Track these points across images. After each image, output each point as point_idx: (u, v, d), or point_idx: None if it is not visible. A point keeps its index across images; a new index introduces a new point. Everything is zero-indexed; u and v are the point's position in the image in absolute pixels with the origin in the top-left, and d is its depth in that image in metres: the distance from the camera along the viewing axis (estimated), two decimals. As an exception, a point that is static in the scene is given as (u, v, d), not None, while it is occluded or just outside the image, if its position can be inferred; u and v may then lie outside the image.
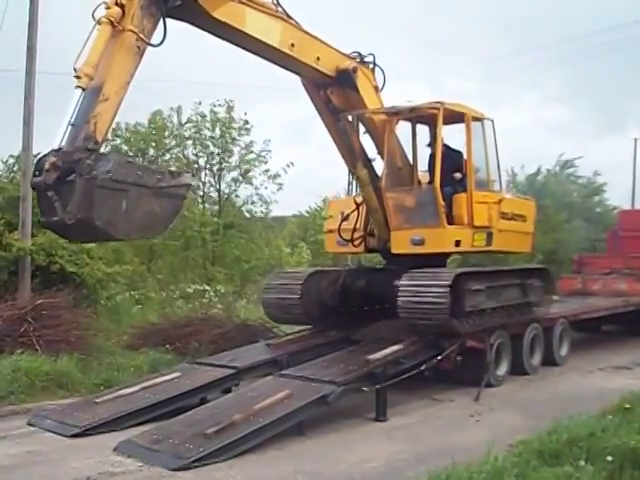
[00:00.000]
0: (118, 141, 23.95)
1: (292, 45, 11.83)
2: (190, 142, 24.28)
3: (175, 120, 24.46)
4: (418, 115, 14.25)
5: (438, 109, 13.39)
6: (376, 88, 13.86)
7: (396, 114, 13.98)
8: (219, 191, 25.09)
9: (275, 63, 12.13)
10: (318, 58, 12.44)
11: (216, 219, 22.94)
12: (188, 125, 23.55)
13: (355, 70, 13.10)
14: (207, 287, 20.30)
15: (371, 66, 13.80)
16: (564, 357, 16.06)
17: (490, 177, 14.75)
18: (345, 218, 15.02)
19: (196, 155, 24.17)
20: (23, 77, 15.28)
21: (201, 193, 24.22)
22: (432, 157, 14.05)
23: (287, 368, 12.02)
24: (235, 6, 10.76)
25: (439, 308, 12.09)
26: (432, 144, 14.33)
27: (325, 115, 13.69)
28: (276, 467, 8.64)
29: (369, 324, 14.06)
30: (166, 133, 24.00)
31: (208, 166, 24.87)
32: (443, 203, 13.28)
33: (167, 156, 24.68)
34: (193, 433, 9.34)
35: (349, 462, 8.80)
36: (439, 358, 12.08)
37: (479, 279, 13.23)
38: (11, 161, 17.21)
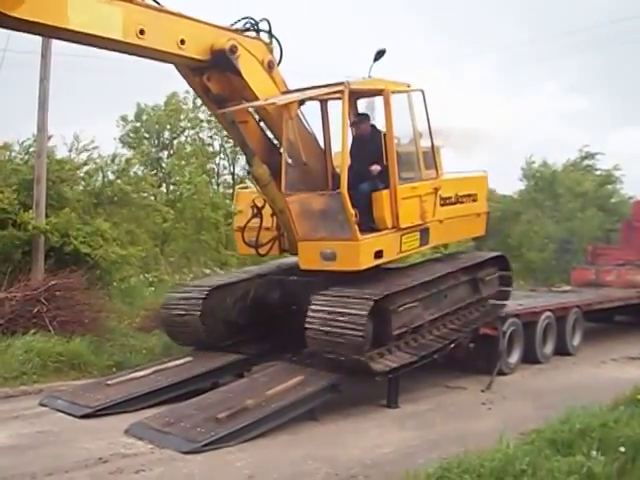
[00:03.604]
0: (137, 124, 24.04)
1: (141, 32, 9.43)
2: (205, 125, 24.29)
3: (190, 103, 24.47)
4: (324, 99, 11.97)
5: (342, 92, 10.77)
6: (270, 65, 11.25)
7: (286, 106, 11.01)
8: (233, 174, 25.12)
9: (128, 54, 9.99)
10: (182, 41, 10.01)
11: (229, 202, 22.93)
12: (203, 107, 23.51)
13: (234, 49, 10.53)
14: (220, 271, 20.28)
15: (268, 39, 11.40)
16: (577, 347, 16.00)
17: (421, 161, 12.18)
18: (256, 215, 12.55)
19: (211, 137, 24.20)
20: (39, 59, 15.23)
21: (215, 176, 24.24)
22: (352, 142, 11.74)
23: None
24: None
25: (353, 342, 10.14)
26: (358, 124, 12.19)
27: (207, 105, 11.99)
28: (287, 452, 8.64)
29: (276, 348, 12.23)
30: (181, 116, 24.02)
31: (222, 149, 24.92)
32: (354, 211, 10.61)
33: (182, 138, 24.72)
34: (205, 417, 9.36)
35: (360, 448, 8.80)
36: (452, 345, 12.02)
37: (410, 292, 11.46)
38: (27, 143, 17.20)
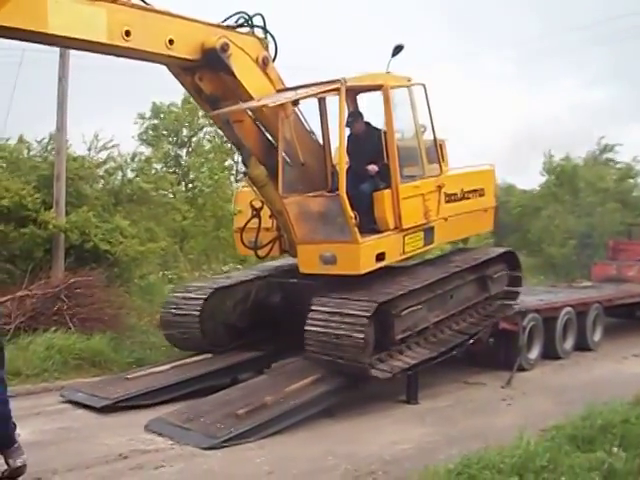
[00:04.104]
0: (155, 121, 24.07)
1: (127, 33, 8.99)
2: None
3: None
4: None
5: (338, 89, 10.40)
6: (265, 61, 10.79)
7: (282, 105, 10.50)
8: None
9: (115, 56, 9.63)
10: (171, 41, 9.55)
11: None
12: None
13: (225, 47, 10.07)
14: (240, 267, 20.29)
15: (262, 35, 10.93)
16: (597, 343, 15.92)
17: (424, 158, 11.84)
18: (255, 215, 12.15)
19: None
20: (57, 58, 15.30)
21: (234, 173, 24.22)
22: (349, 141, 11.46)
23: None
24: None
25: (353, 349, 9.87)
26: (352, 122, 11.72)
27: (201, 105, 11.48)
28: (307, 448, 8.65)
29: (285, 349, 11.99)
30: (200, 113, 24.02)
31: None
32: (353, 213, 10.24)
33: (200, 135, 24.71)
34: (224, 413, 9.38)
35: (380, 444, 8.78)
36: (471, 341, 11.98)
37: (414, 295, 11.08)
38: (45, 141, 17.28)
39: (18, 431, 7.41)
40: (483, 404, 10.99)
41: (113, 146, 17.91)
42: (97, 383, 11.35)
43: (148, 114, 24.21)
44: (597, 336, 15.98)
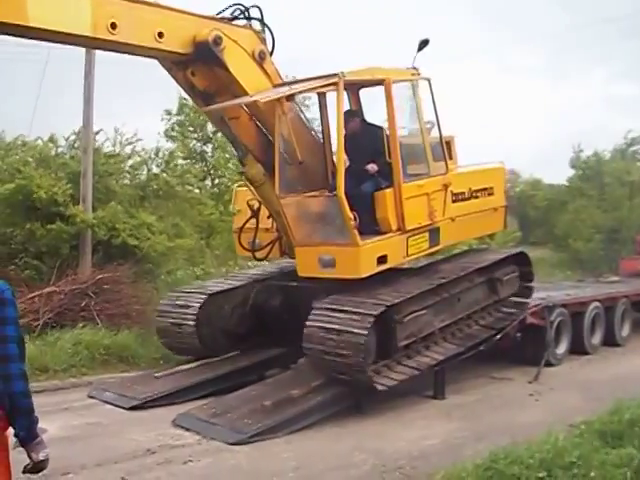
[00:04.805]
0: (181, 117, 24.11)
1: (113, 26, 8.53)
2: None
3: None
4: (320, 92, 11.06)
5: (336, 83, 9.96)
6: (262, 55, 10.30)
7: (278, 100, 10.07)
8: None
9: (102, 49, 9.39)
10: (160, 34, 9.09)
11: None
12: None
13: (218, 41, 9.59)
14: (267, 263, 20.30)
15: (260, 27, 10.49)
16: (625, 338, 15.79)
17: (429, 155, 11.32)
18: (253, 215, 11.75)
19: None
20: (84, 55, 15.37)
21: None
22: (348, 139, 10.60)
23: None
24: None
25: (353, 359, 9.40)
26: (346, 121, 10.81)
27: (194, 101, 10.96)
28: (334, 444, 8.65)
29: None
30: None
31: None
32: (352, 215, 9.75)
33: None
34: (251, 408, 9.40)
35: (407, 439, 8.78)
36: (499, 336, 11.91)
37: (420, 299, 10.66)
38: (72, 138, 17.38)
39: (46, 426, 7.43)
40: (510, 399, 10.94)
41: (137, 140, 17.97)
42: (125, 381, 11.39)
43: (175, 110, 24.26)
44: (625, 331, 15.85)
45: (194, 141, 23.96)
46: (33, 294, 13.73)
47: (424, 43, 11.62)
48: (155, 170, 18.44)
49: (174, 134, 23.93)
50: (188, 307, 11.76)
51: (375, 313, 9.52)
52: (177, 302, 12.08)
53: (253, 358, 11.71)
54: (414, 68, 11.38)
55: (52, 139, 17.36)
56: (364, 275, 10.15)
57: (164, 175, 18.10)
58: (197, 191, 20.38)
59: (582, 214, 29.13)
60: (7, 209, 15.32)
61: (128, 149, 17.91)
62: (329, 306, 9.93)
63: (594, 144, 33.31)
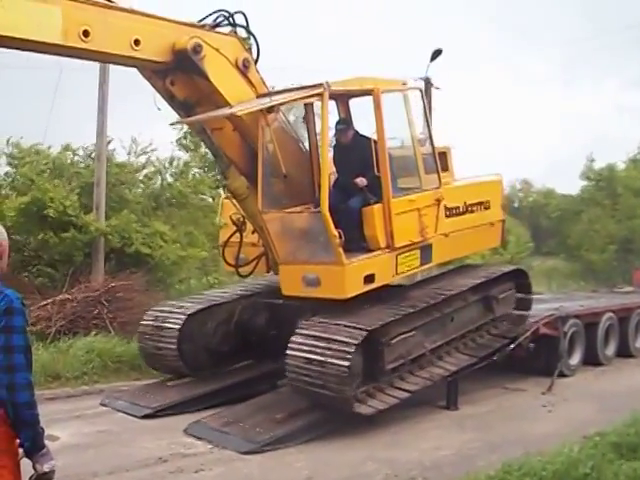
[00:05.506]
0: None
1: (85, 33, 8.14)
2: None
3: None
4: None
5: (321, 94, 9.48)
6: (246, 64, 9.84)
7: (261, 112, 9.66)
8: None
9: (75, 58, 8.96)
10: (137, 41, 8.67)
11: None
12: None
13: (197, 49, 9.14)
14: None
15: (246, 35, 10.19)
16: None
17: (420, 169, 10.78)
18: (239, 229, 11.21)
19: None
20: (97, 64, 15.42)
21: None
22: (336, 151, 10.63)
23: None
24: None
25: (337, 387, 8.93)
26: (339, 131, 10.81)
27: (176, 111, 10.08)
28: (346, 453, 8.62)
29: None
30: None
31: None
32: (337, 232, 9.23)
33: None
34: (263, 417, 9.39)
35: (420, 450, 8.74)
36: (512, 346, 11.85)
37: (409, 320, 10.18)
38: (90, 148, 17.45)
39: (58, 433, 7.46)
40: (523, 410, 10.87)
41: (152, 150, 18.04)
42: (138, 390, 11.37)
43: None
44: (639, 342, 15.77)
45: (207, 150, 23.98)
46: (46, 301, 13.80)
47: (437, 53, 11.66)
48: (169, 179, 18.51)
49: (186, 142, 23.93)
50: (168, 329, 11.13)
51: (356, 342, 9.02)
52: (158, 325, 11.36)
53: (266, 367, 11.67)
54: (427, 78, 11.34)
55: (68, 147, 17.43)
56: (350, 295, 9.67)
57: (178, 184, 18.15)
58: (210, 200, 20.41)
59: (595, 224, 29.06)
60: (21, 218, 15.38)
61: (143, 158, 17.99)
62: (311, 332, 9.46)
63: (607, 154, 33.23)
